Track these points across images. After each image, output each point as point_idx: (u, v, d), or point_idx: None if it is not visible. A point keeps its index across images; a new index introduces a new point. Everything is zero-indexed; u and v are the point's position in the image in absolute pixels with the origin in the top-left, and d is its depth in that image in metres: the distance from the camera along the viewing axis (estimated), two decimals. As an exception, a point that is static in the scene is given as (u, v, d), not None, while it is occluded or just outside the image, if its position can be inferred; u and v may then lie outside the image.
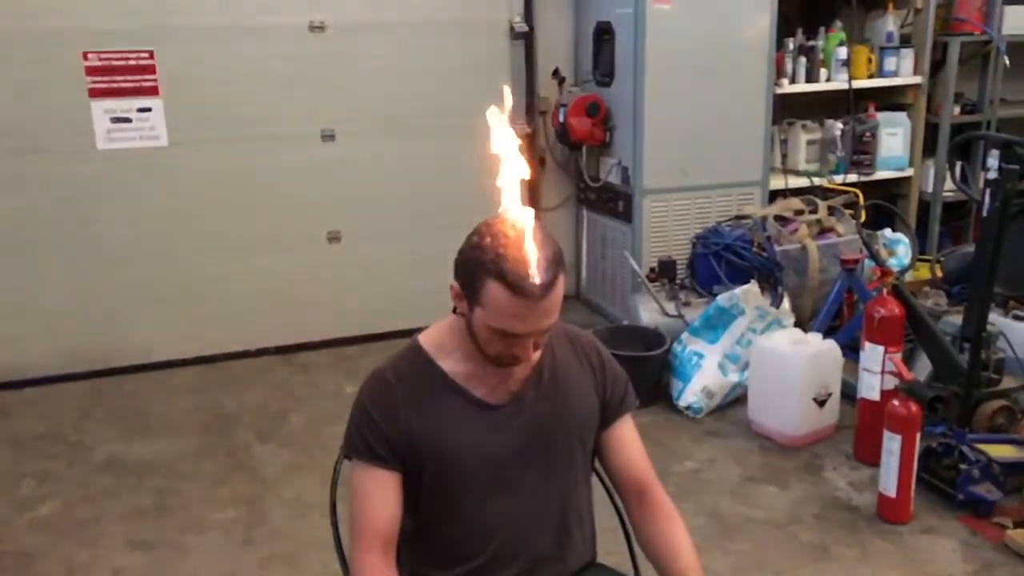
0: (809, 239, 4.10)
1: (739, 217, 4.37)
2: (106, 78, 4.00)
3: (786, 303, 3.90)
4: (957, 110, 5.05)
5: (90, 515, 3.09)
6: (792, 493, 3.14)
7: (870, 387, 3.20)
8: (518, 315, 1.38)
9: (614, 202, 4.60)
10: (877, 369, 3.16)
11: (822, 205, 4.32)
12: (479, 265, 1.38)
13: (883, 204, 4.58)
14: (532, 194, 4.63)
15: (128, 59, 4.02)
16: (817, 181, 4.75)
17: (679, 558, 1.56)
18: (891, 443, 2.85)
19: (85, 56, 3.96)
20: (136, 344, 4.29)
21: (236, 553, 2.86)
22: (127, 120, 4.08)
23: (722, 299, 3.74)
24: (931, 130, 5.03)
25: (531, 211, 1.33)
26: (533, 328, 1.41)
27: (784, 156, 4.90)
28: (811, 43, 4.70)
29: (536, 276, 1.34)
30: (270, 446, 3.57)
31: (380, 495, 1.50)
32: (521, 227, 1.33)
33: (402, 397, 1.51)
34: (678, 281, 4.22)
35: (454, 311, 1.53)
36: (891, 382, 3.03)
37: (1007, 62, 4.95)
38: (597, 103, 4.52)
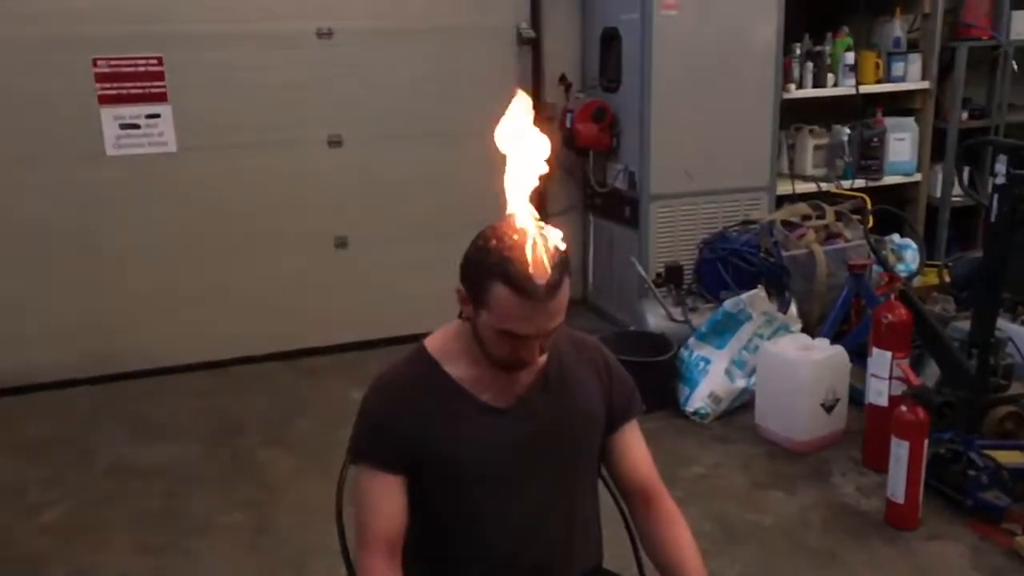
0: (816, 244, 4.09)
1: (746, 222, 4.36)
2: (115, 85, 4.03)
3: (793, 308, 3.89)
4: (965, 115, 5.04)
5: (97, 520, 3.09)
6: (799, 499, 3.13)
7: (878, 393, 3.19)
8: (523, 316, 1.38)
9: (621, 208, 4.60)
10: (885, 375, 3.14)
11: (830, 210, 4.32)
12: (484, 267, 1.38)
13: (891, 209, 4.56)
14: (539, 200, 4.62)
15: (137, 65, 4.05)
16: (825, 186, 4.74)
17: (685, 564, 1.56)
18: (899, 449, 2.84)
19: (95, 63, 3.98)
20: (143, 349, 4.30)
21: (242, 557, 2.86)
22: (136, 127, 4.10)
23: (729, 304, 3.74)
24: (939, 135, 5.02)
25: (534, 211, 1.32)
26: (538, 329, 1.41)
27: (791, 161, 4.89)
28: (818, 48, 4.69)
29: (541, 277, 1.34)
30: (276, 451, 3.57)
31: (385, 500, 1.49)
32: (526, 230, 1.33)
33: (407, 401, 1.51)
34: (685, 286, 4.21)
35: (460, 316, 1.53)
36: (899, 388, 3.02)
37: (1015, 67, 4.94)
38: (604, 108, 4.51)
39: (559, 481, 1.59)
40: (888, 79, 4.84)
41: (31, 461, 3.53)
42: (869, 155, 4.81)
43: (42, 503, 3.21)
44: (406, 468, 1.50)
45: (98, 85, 4.00)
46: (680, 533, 1.60)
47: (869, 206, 4.39)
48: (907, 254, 4.49)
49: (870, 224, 4.21)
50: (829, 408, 3.42)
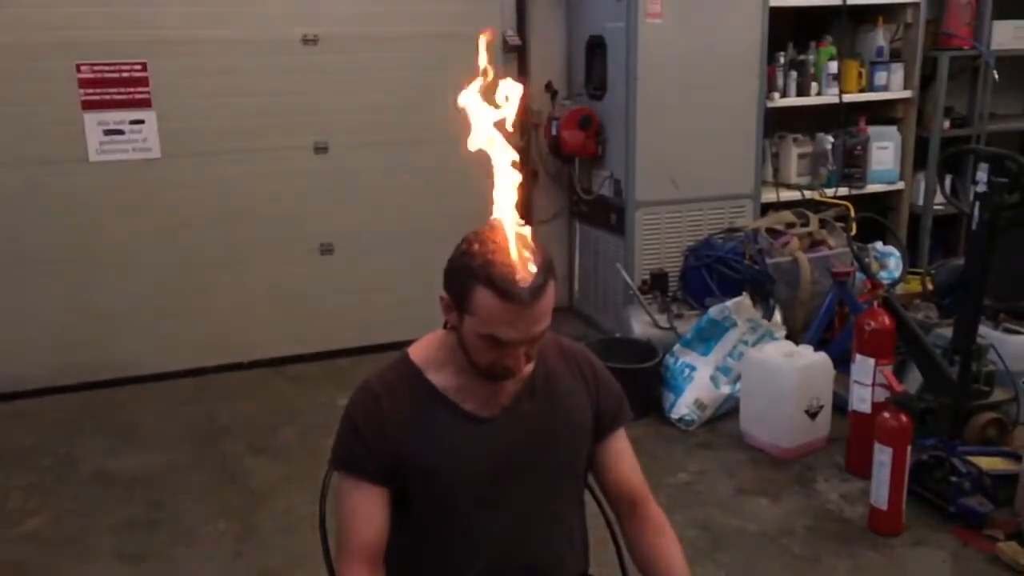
0: (801, 252, 4.12)
1: (731, 230, 4.38)
2: (99, 90, 4.01)
3: (777, 315, 3.91)
4: (947, 124, 5.08)
5: (80, 528, 3.07)
6: (784, 505, 3.14)
7: (861, 399, 3.21)
8: (508, 321, 1.37)
9: (606, 215, 4.61)
10: (868, 381, 3.16)
11: (813, 218, 4.34)
12: (467, 272, 1.37)
13: (874, 217, 4.60)
14: (525, 207, 4.63)
15: (121, 71, 4.03)
16: (808, 194, 4.77)
17: (671, 572, 1.56)
18: (882, 455, 2.85)
19: (79, 68, 3.96)
20: (128, 356, 4.27)
21: (226, 566, 2.85)
22: (120, 132, 4.08)
23: (714, 311, 3.75)
24: (921, 144, 5.06)
25: (515, 215, 1.33)
26: (523, 335, 1.39)
27: (776, 169, 4.92)
28: (802, 57, 4.73)
29: (525, 280, 1.34)
30: (261, 458, 3.55)
31: (367, 509, 1.49)
32: (509, 234, 1.33)
33: (390, 410, 1.50)
34: (670, 293, 4.23)
35: (444, 325, 1.53)
36: (882, 394, 3.04)
37: (996, 76, 4.99)
38: (589, 116, 4.53)
39: (545, 490, 1.58)
40: (871, 88, 4.88)
41: (12, 469, 3.49)
42: (852, 163, 4.85)
43: (24, 512, 3.18)
44: (388, 478, 1.50)
45: (81, 90, 3.98)
46: (667, 542, 1.60)
47: (852, 214, 4.42)
48: (890, 261, 4.52)
49: (853, 232, 4.24)
50: (813, 415, 3.44)
